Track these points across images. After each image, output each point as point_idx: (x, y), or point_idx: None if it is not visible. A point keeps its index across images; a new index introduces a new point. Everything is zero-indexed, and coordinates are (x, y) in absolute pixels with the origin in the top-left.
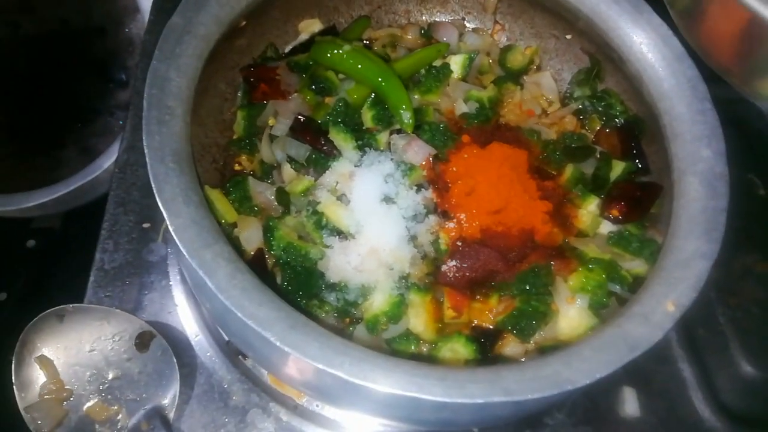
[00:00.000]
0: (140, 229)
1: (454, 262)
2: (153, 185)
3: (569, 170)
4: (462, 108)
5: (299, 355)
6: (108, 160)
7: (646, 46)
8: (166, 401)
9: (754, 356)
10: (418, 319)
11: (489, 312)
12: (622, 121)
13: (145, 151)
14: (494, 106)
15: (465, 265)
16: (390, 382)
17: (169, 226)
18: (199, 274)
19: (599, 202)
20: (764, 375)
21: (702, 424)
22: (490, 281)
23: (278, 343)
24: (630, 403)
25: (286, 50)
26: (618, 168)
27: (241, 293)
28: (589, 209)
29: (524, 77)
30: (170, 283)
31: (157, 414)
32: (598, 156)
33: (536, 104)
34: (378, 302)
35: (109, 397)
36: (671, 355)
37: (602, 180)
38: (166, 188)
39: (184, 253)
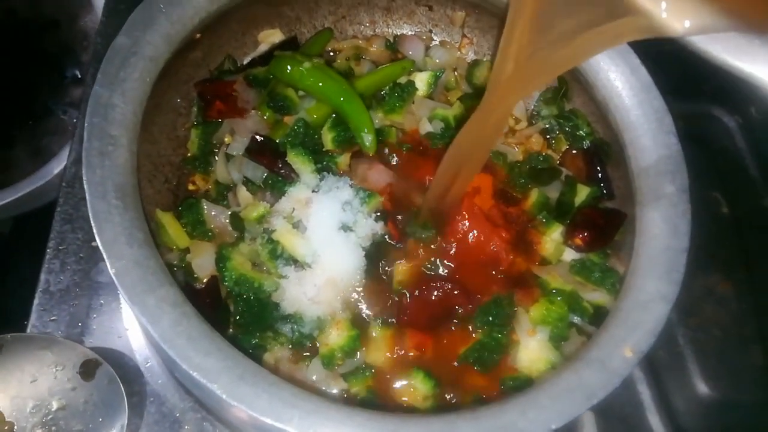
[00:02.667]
0: (89, 247)
1: (413, 299)
2: (93, 225)
3: (534, 195)
4: (426, 127)
5: (246, 409)
6: (60, 163)
7: (614, 73)
8: (113, 431)
9: (711, 378)
10: (378, 354)
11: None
12: (588, 143)
13: (85, 186)
14: (460, 125)
15: (425, 301)
16: None
17: (110, 270)
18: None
19: (563, 230)
20: (720, 397)
21: None
22: (452, 316)
23: (225, 396)
24: (588, 428)
25: (245, 62)
26: (582, 193)
27: (186, 342)
28: (552, 237)
29: None
30: (121, 306)
31: None
32: (564, 179)
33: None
34: (334, 336)
35: (54, 428)
36: (630, 377)
37: (567, 206)
38: (107, 228)
39: (126, 299)
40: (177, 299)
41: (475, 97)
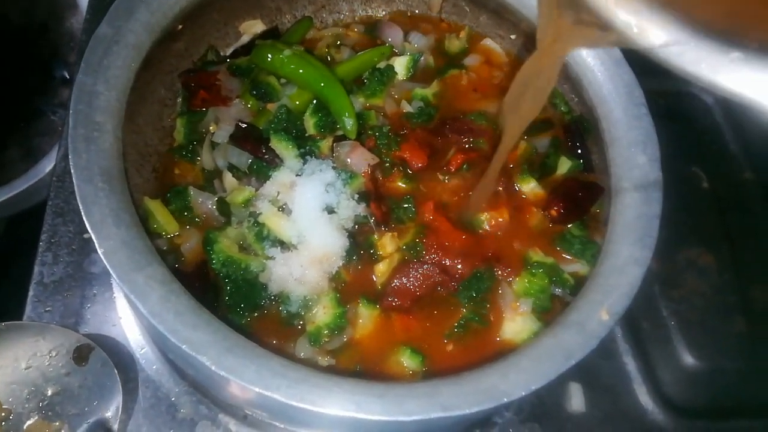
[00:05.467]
0: (81, 239)
1: (394, 286)
2: (81, 207)
3: (522, 146)
4: (407, 108)
5: (235, 379)
6: (51, 162)
7: (586, 50)
8: (109, 413)
9: (695, 348)
10: (365, 331)
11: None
12: (567, 120)
13: (72, 171)
14: (439, 102)
15: (406, 286)
16: (328, 402)
17: (98, 250)
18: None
19: (536, 185)
20: (705, 366)
21: (646, 416)
22: (435, 295)
23: (213, 368)
24: (576, 399)
25: (228, 53)
26: (564, 166)
27: (175, 317)
28: (524, 188)
29: (466, 59)
30: (114, 295)
31: (101, 427)
32: (551, 139)
33: (490, 76)
34: (320, 314)
35: (50, 413)
36: (616, 349)
37: (549, 169)
38: (95, 210)
39: (115, 277)
40: (165, 277)
41: (449, 68)
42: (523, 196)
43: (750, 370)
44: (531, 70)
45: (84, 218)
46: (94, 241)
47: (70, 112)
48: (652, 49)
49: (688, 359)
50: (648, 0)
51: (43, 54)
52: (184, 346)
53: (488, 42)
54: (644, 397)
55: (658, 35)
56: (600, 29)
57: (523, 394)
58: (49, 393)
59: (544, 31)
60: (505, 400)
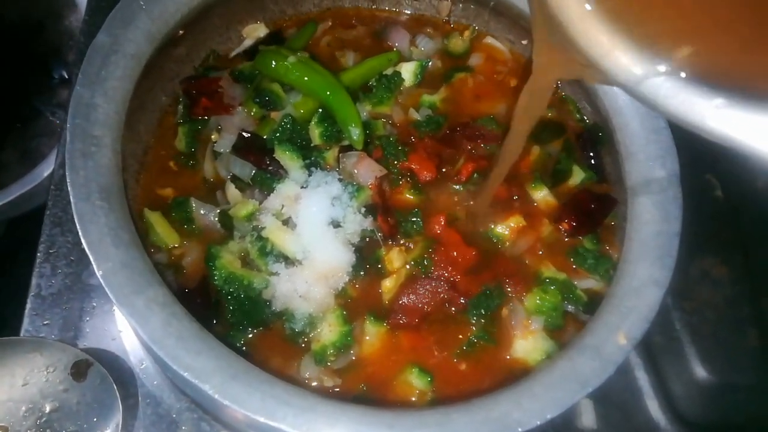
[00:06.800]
0: (79, 250)
1: (403, 299)
2: (78, 227)
3: (535, 152)
4: (415, 116)
5: (240, 409)
6: (50, 165)
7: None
8: (108, 431)
9: (708, 361)
10: (371, 349)
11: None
12: (580, 128)
13: (69, 188)
14: (447, 108)
15: (414, 304)
16: None
17: (97, 272)
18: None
19: (548, 193)
20: (718, 380)
21: None
22: (444, 312)
23: (217, 396)
24: (587, 415)
25: (231, 56)
26: (577, 177)
27: (176, 342)
28: (535, 196)
29: (471, 57)
30: (113, 308)
31: None
32: (563, 144)
33: (493, 71)
34: (326, 332)
35: (48, 431)
36: (628, 363)
37: (562, 175)
38: (92, 229)
39: (114, 300)
40: (166, 300)
41: (456, 71)
42: (535, 204)
43: (763, 385)
44: (528, 90)
45: (81, 238)
46: (93, 262)
47: (68, 126)
48: (635, 89)
49: (701, 373)
50: (636, 45)
51: (41, 53)
52: (186, 374)
53: (490, 40)
54: (656, 413)
55: (642, 75)
56: (585, 65)
57: (538, 423)
58: (47, 410)
59: (537, 58)
60: (519, 430)
